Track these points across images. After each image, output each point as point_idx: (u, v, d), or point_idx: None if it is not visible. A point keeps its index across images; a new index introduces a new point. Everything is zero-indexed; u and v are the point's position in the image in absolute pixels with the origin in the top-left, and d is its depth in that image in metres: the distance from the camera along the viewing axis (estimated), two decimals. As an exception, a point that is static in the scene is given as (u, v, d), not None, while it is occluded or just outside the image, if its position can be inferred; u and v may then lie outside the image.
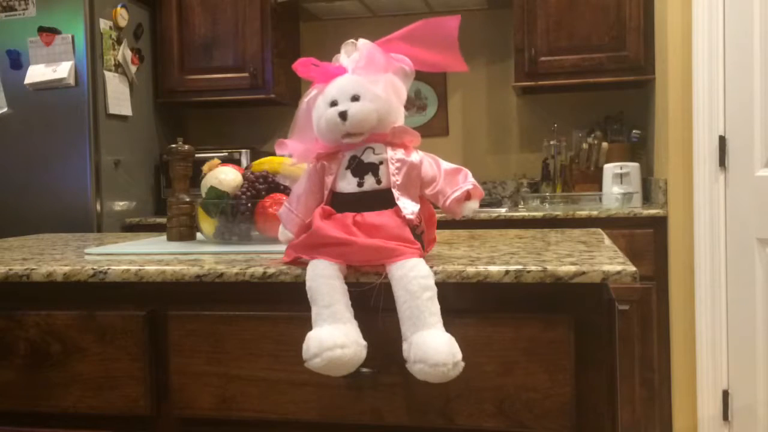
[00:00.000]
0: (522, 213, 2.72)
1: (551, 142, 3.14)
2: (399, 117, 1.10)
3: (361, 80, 1.07)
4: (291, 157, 1.17)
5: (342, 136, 1.07)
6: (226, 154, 3.06)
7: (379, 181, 1.07)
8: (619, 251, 1.20)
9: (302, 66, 1.11)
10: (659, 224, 2.61)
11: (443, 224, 1.21)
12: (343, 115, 1.05)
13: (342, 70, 1.10)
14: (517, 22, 2.96)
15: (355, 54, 1.11)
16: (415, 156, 1.09)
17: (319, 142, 1.12)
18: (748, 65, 2.33)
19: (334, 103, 1.07)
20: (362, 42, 1.10)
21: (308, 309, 1.00)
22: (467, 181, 1.09)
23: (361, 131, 1.06)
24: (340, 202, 1.08)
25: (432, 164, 1.10)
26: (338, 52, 1.14)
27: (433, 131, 3.38)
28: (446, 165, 1.10)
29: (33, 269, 1.16)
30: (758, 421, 2.33)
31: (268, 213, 1.32)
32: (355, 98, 1.06)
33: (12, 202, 2.84)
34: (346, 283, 1.01)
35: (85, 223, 2.77)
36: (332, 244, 1.02)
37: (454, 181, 1.09)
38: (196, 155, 1.52)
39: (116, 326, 1.16)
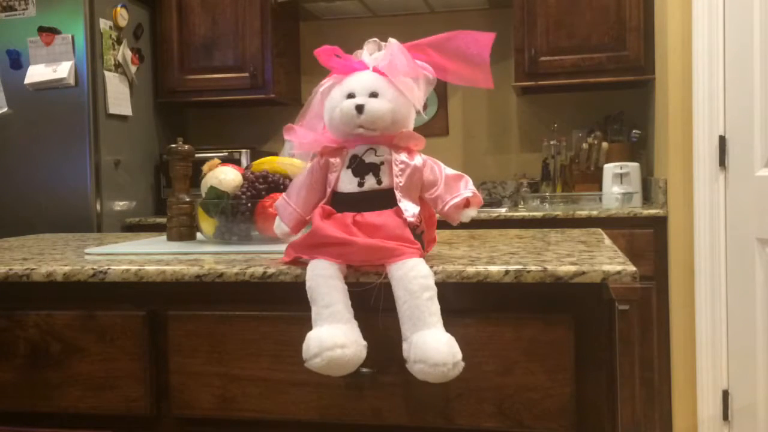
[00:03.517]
0: (522, 213, 2.72)
1: (551, 142, 3.14)
2: (411, 122, 1.10)
3: (383, 79, 1.07)
4: (297, 146, 1.16)
5: (354, 129, 1.07)
6: (226, 154, 3.06)
7: (379, 182, 1.07)
8: (619, 251, 1.20)
9: (324, 54, 1.11)
10: (659, 224, 2.61)
11: (443, 224, 1.21)
12: (359, 108, 1.05)
13: (363, 66, 1.10)
14: (517, 22, 2.96)
15: (377, 53, 1.11)
16: (419, 159, 1.09)
17: (327, 133, 1.12)
18: (748, 65, 2.33)
19: (351, 96, 1.07)
20: (391, 41, 1.09)
21: (308, 309, 1.00)
22: (467, 188, 1.09)
23: (374, 128, 1.06)
24: (340, 202, 1.08)
25: (434, 168, 1.10)
26: (363, 48, 1.14)
27: (433, 131, 3.38)
28: (448, 171, 1.10)
29: (33, 269, 1.16)
30: (758, 421, 2.33)
31: (268, 213, 1.32)
32: (373, 94, 1.06)
33: (12, 202, 2.83)
34: (346, 283, 1.02)
35: (85, 223, 2.77)
36: (332, 244, 1.02)
37: (455, 187, 1.09)
38: (196, 155, 1.52)
39: (116, 326, 1.16)
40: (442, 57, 1.10)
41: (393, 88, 1.06)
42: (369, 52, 1.12)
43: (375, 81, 1.07)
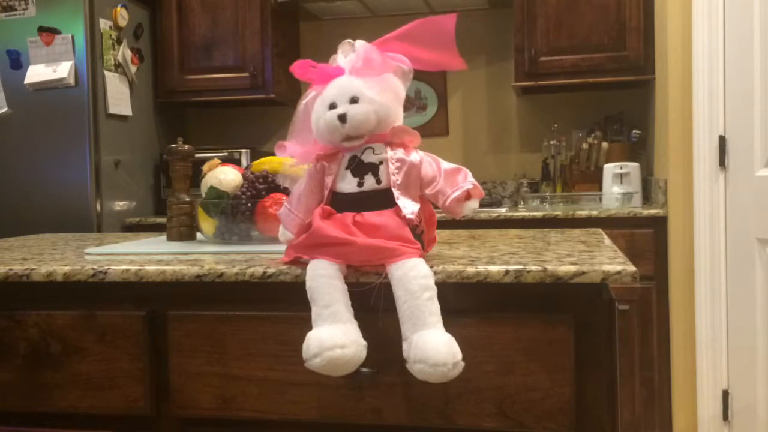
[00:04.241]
0: (522, 213, 2.72)
1: (551, 142, 3.14)
2: (398, 117, 1.10)
3: (359, 82, 1.07)
4: (292, 160, 1.17)
5: (342, 140, 1.07)
6: (226, 154, 3.06)
7: (379, 181, 1.07)
8: (619, 251, 1.20)
9: (300, 68, 1.11)
10: (659, 224, 2.61)
11: (443, 224, 1.21)
12: (342, 118, 1.05)
13: (340, 71, 1.10)
14: (517, 22, 2.96)
15: (352, 55, 1.10)
16: (415, 156, 1.09)
17: (318, 143, 1.12)
18: (748, 65, 2.33)
19: (332, 105, 1.07)
20: (359, 43, 1.09)
21: (308, 309, 1.00)
22: (467, 180, 1.09)
23: (361, 134, 1.06)
24: (340, 202, 1.08)
25: (432, 164, 1.09)
26: (338, 52, 1.14)
27: (433, 131, 3.38)
28: (446, 165, 1.10)
29: (33, 269, 1.16)
30: (758, 421, 2.33)
31: (268, 213, 1.32)
32: (353, 100, 1.06)
33: (12, 202, 2.84)
34: (346, 283, 1.02)
35: (85, 223, 2.77)
36: (332, 244, 1.02)
37: (454, 180, 1.09)
38: (196, 155, 1.52)
39: (116, 326, 1.16)
40: (412, 47, 1.10)
41: (371, 88, 1.06)
42: (344, 55, 1.12)
43: (353, 85, 1.07)
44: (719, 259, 2.44)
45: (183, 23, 3.22)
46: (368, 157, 1.08)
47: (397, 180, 1.06)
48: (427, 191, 1.09)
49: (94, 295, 1.18)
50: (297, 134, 1.15)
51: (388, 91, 1.08)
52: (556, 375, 1.03)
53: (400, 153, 1.08)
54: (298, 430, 1.13)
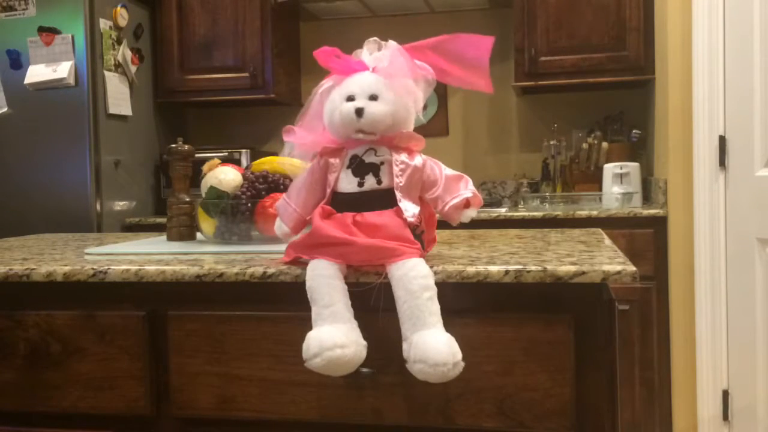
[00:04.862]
0: (522, 213, 2.72)
1: (551, 142, 3.14)
2: (411, 124, 1.10)
3: (382, 81, 1.07)
4: (296, 146, 1.16)
5: (354, 133, 1.07)
6: (226, 154, 3.06)
7: (379, 182, 1.07)
8: (619, 251, 1.20)
9: (324, 54, 1.10)
10: (659, 224, 2.61)
11: (443, 224, 1.21)
12: (359, 112, 1.05)
13: (363, 66, 1.10)
14: (517, 22, 2.96)
15: (377, 53, 1.10)
16: (419, 159, 1.09)
17: (326, 133, 1.12)
18: (748, 65, 2.33)
19: (350, 98, 1.07)
20: (390, 43, 1.09)
21: (308, 309, 1.00)
22: (467, 188, 1.09)
23: (374, 131, 1.06)
24: (340, 202, 1.08)
25: (434, 169, 1.10)
26: (363, 48, 1.13)
27: (433, 131, 3.37)
28: (448, 171, 1.10)
29: (33, 269, 1.16)
30: (758, 421, 2.33)
31: (268, 213, 1.32)
32: (373, 97, 1.06)
33: (12, 202, 2.84)
34: (346, 283, 1.02)
35: (85, 223, 2.77)
36: (332, 244, 1.02)
37: (455, 187, 1.09)
38: (196, 155, 1.52)
39: (116, 326, 1.16)
40: (442, 59, 1.09)
41: (392, 89, 1.06)
42: (369, 52, 1.12)
43: (374, 83, 1.07)
44: (719, 259, 2.44)
45: (183, 23, 3.22)
46: (369, 158, 1.08)
47: (401, 182, 1.06)
48: (427, 195, 1.09)
49: (94, 295, 1.18)
50: (307, 121, 1.14)
51: (408, 97, 1.07)
52: (556, 375, 1.03)
53: (404, 156, 1.08)
54: (298, 430, 1.13)
